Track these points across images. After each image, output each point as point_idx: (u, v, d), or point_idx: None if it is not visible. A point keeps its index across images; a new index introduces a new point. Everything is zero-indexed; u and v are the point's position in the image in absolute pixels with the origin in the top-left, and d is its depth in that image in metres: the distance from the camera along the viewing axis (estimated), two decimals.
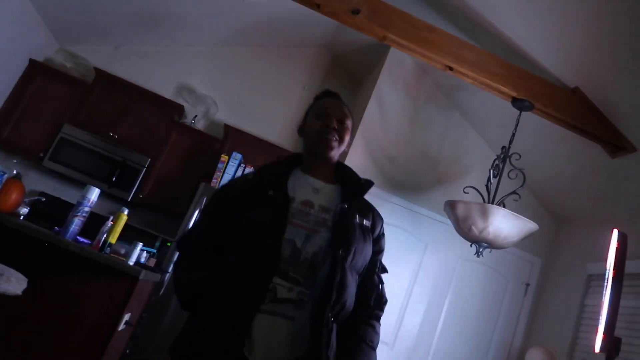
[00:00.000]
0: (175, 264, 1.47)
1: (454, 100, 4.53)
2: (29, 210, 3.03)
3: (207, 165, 4.64)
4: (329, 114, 1.49)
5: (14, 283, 2.03)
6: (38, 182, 4.63)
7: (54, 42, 4.99)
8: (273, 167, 1.50)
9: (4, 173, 2.66)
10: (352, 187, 1.51)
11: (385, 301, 1.52)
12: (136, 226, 4.29)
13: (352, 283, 1.36)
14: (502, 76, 3.14)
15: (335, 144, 1.48)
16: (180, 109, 4.93)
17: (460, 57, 3.09)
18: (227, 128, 4.90)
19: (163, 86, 5.09)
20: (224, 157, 4.49)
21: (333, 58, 5.61)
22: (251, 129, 5.02)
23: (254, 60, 5.42)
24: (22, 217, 2.89)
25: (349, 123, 1.53)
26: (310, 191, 1.44)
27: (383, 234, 1.56)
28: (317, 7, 2.94)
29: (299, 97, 5.37)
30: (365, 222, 1.47)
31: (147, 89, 4.85)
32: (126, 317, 2.53)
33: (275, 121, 5.31)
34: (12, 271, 2.08)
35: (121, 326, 2.49)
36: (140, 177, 4.56)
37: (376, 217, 1.54)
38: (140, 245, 2.69)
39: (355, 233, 1.41)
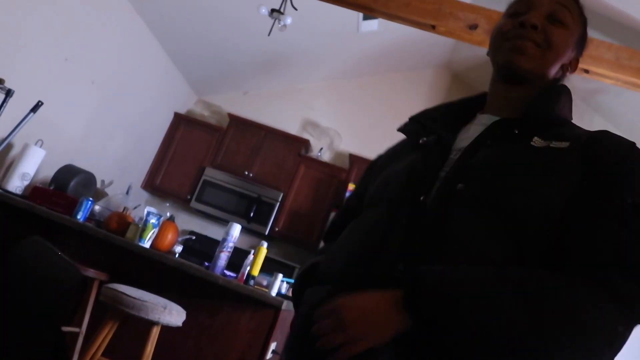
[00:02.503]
0: None
1: (593, 105, 4.16)
2: (183, 248, 3.36)
3: (336, 195, 4.77)
4: (531, 5, 0.93)
5: (175, 315, 2.25)
6: (187, 222, 5.11)
7: (193, 95, 5.55)
8: (439, 108, 1.06)
9: (160, 216, 2.98)
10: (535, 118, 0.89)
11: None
12: (275, 258, 4.53)
13: (472, 232, 0.77)
14: None
15: (531, 48, 0.91)
16: (306, 143, 5.16)
17: (596, 58, 2.84)
18: (352, 157, 5.01)
19: (289, 123, 5.38)
20: (351, 186, 4.58)
21: (453, 77, 5.50)
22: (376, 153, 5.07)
23: (372, 88, 5.51)
24: (177, 255, 3.20)
25: (568, 18, 0.93)
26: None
27: (628, 173, 0.78)
28: (432, 28, 2.92)
29: None
30: (553, 144, 0.82)
31: (275, 128, 5.16)
32: (272, 346, 2.65)
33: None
34: (174, 305, 2.31)
35: (269, 355, 2.61)
36: (275, 211, 4.83)
37: (596, 146, 0.81)
38: (280, 276, 2.82)
39: (500, 159, 0.83)
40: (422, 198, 0.84)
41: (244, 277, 2.80)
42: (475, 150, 0.87)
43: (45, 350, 0.54)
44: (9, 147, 3.28)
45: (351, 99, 5.50)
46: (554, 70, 0.95)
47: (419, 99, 5.42)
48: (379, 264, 0.81)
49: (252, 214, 4.79)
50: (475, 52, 4.32)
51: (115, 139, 4.51)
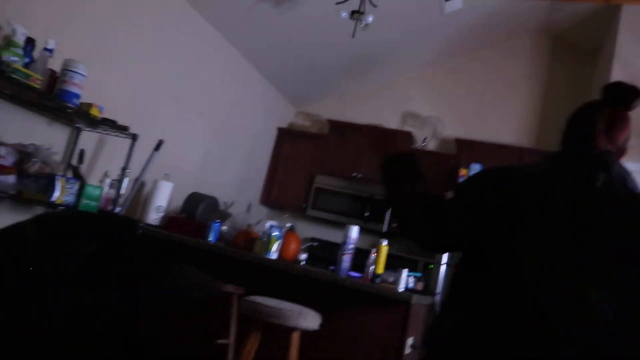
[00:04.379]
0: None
1: None
2: (307, 255, 3.49)
3: (447, 182, 4.65)
4: None
5: (311, 320, 2.35)
6: (307, 230, 5.29)
7: (291, 108, 5.76)
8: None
9: (281, 228, 3.12)
10: None
11: None
12: (397, 254, 4.52)
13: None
14: None
15: None
16: (409, 136, 5.10)
17: None
18: (459, 142, 4.86)
19: (389, 118, 5.36)
20: (462, 171, 4.44)
21: (554, 40, 5.12)
22: (483, 136, 4.88)
23: (467, 68, 5.31)
24: (302, 262, 3.33)
25: None
26: None
27: None
28: None
29: (527, 89, 5.02)
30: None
31: (375, 125, 5.17)
32: (410, 340, 2.66)
33: (506, 121, 5.06)
34: (308, 310, 2.40)
35: (407, 350, 2.62)
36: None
37: None
38: (405, 271, 2.82)
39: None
40: None
41: (370, 276, 2.84)
42: None
43: None
44: (142, 185, 3.64)
45: (448, 83, 5.35)
46: None
47: (518, 70, 5.12)
48: None
49: (367, 214, 4.84)
50: (575, 8, 4.01)
51: (230, 162, 4.82)
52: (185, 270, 0.80)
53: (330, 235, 5.17)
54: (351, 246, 2.89)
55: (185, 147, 4.17)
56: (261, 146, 5.34)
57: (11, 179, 2.40)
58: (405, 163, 1.40)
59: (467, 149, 4.75)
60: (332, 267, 2.97)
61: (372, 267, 2.85)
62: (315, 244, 3.89)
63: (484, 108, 5.18)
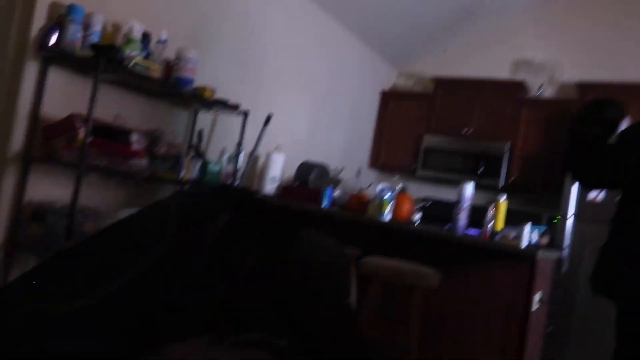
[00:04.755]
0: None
1: None
2: (421, 215, 3.46)
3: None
4: None
5: (430, 278, 2.34)
6: (419, 191, 5.22)
7: (393, 69, 5.64)
8: None
9: (393, 190, 3.12)
10: None
11: None
12: (517, 208, 4.31)
13: None
14: None
15: None
16: (522, 86, 4.77)
17: None
18: (581, 85, 4.45)
19: (498, 69, 5.04)
20: None
21: None
22: (612, 76, 4.40)
23: (582, 2, 4.79)
24: (417, 223, 3.30)
25: None
26: None
27: None
28: None
29: None
30: None
31: (484, 78, 4.90)
32: (538, 296, 2.55)
33: (635, 57, 4.52)
34: (426, 269, 2.40)
35: (535, 306, 2.52)
36: (506, 162, 4.60)
37: None
38: (528, 225, 2.69)
39: None
40: None
41: (489, 233, 2.75)
42: None
43: (339, 323, 0.63)
44: (257, 158, 3.83)
45: (567, 21, 4.87)
46: None
47: None
48: None
49: (481, 170, 4.65)
50: None
51: (336, 129, 4.88)
52: (314, 235, 0.84)
53: (443, 194, 5.06)
54: (467, 204, 2.81)
55: (293, 119, 4.29)
56: (366, 111, 5.32)
57: (144, 162, 2.65)
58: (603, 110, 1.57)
59: (591, 92, 4.32)
60: (448, 226, 2.91)
61: (490, 224, 2.76)
62: (429, 203, 3.83)
63: (605, 46, 4.65)
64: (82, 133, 2.26)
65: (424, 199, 5.02)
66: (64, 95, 2.46)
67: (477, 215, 3.04)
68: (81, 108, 2.36)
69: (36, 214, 2.32)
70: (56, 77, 2.42)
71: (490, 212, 2.80)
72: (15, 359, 0.56)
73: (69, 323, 0.59)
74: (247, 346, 0.47)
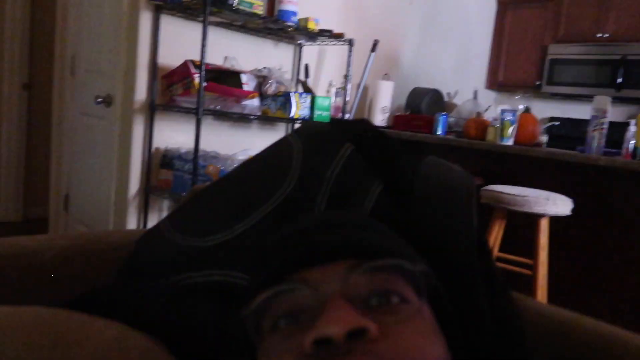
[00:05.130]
0: None
1: None
2: (548, 137, 3.18)
3: None
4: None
5: (561, 205, 2.16)
6: (544, 110, 4.79)
7: None
8: None
9: (515, 111, 2.87)
10: None
11: None
12: None
13: None
14: None
15: None
16: None
17: None
18: None
19: None
20: None
21: None
22: None
23: None
24: (544, 145, 3.04)
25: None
26: None
27: None
28: None
29: None
30: None
31: None
32: None
33: None
34: (556, 195, 2.21)
35: None
36: None
37: None
38: None
39: None
40: None
41: (630, 152, 2.45)
42: None
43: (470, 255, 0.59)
44: (365, 89, 3.73)
45: None
46: None
47: None
48: None
49: (620, 80, 4.10)
50: None
51: (447, 49, 4.56)
52: (439, 161, 0.80)
53: (573, 112, 4.59)
54: (603, 120, 2.51)
55: (398, 42, 4.07)
56: (479, 24, 4.87)
57: (256, 102, 2.70)
58: None
59: None
60: (580, 148, 2.64)
61: (632, 142, 2.45)
62: (557, 123, 3.49)
63: None
64: (197, 78, 2.33)
65: (551, 119, 4.60)
66: (175, 42, 2.55)
67: (616, 133, 2.72)
68: (191, 53, 2.43)
69: (164, 160, 2.50)
70: (167, 24, 2.50)
71: (632, 129, 2.48)
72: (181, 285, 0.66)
73: (214, 255, 0.64)
74: (383, 271, 0.46)
